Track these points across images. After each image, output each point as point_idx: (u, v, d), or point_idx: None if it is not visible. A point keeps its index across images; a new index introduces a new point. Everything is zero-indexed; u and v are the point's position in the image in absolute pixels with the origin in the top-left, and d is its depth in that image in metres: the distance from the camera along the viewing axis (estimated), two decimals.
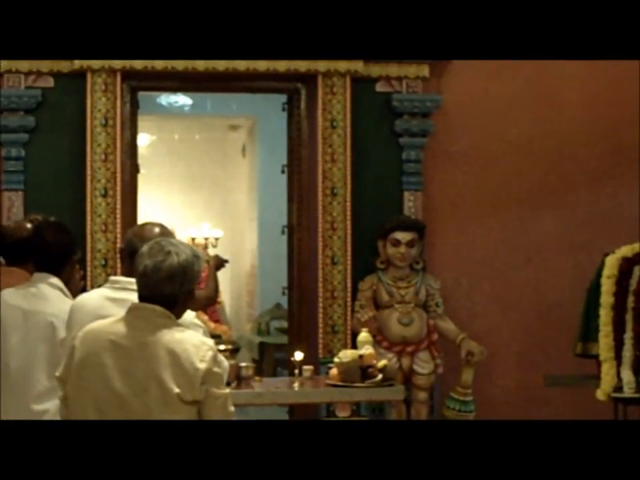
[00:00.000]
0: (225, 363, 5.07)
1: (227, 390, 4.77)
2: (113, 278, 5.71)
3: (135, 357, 4.57)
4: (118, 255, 5.82)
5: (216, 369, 4.61)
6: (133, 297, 5.02)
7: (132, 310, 4.73)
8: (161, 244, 4.71)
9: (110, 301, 5.34)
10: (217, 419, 4.64)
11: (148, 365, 4.53)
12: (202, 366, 4.53)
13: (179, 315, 4.77)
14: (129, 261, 5.40)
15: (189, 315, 5.19)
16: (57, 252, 6.19)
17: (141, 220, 10.72)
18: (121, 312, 4.95)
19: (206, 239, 13.91)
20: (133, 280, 5.06)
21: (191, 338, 4.66)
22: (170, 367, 4.51)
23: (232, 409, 4.72)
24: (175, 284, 4.67)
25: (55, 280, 6.08)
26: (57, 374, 4.85)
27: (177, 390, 4.48)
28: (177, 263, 4.65)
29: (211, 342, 4.77)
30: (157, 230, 5.52)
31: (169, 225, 11.89)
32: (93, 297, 5.57)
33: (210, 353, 4.60)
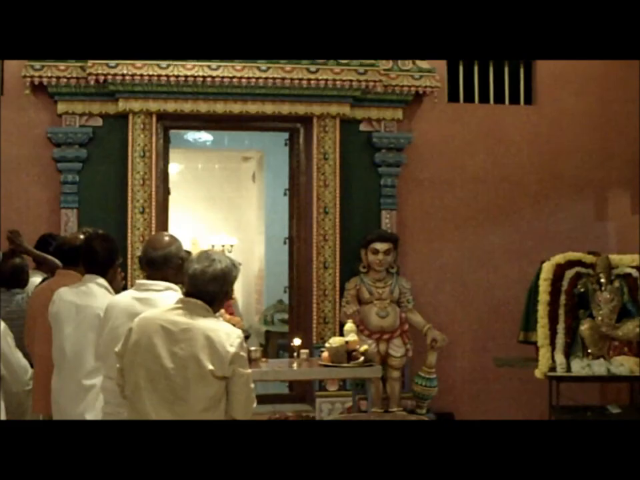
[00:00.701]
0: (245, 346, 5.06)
1: (249, 370, 4.96)
2: (138, 281, 5.88)
3: (179, 339, 4.80)
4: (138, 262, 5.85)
5: (242, 353, 4.84)
6: (155, 296, 5.50)
7: (180, 302, 4.97)
8: (207, 253, 5.05)
9: (137, 300, 5.56)
10: (240, 392, 4.85)
11: (188, 346, 4.77)
12: (231, 350, 4.76)
13: (216, 309, 5.02)
14: (146, 266, 5.79)
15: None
16: (103, 257, 6.27)
17: (173, 233, 10.96)
18: (145, 308, 5.30)
19: (223, 245, 14.02)
20: (154, 282, 5.57)
21: (223, 327, 4.91)
22: (206, 349, 4.75)
23: (252, 385, 4.97)
24: (216, 285, 4.94)
25: (101, 280, 6.19)
26: (116, 350, 5.08)
27: (210, 367, 4.72)
28: (219, 269, 4.94)
29: (239, 331, 4.95)
30: (166, 239, 5.78)
31: (194, 235, 12.21)
32: (124, 297, 5.76)
33: (238, 340, 4.84)
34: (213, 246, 13.50)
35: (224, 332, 4.86)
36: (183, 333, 4.82)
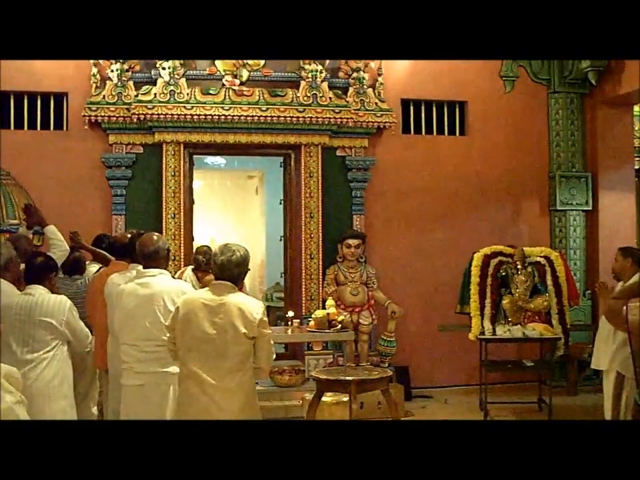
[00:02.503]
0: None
1: (270, 331, 5.10)
2: (139, 270, 5.85)
3: (217, 311, 4.90)
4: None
5: (265, 318, 4.98)
6: (151, 280, 5.64)
7: (213, 285, 5.05)
8: (227, 246, 5.09)
9: (138, 285, 5.67)
10: (264, 348, 4.99)
11: (226, 315, 4.88)
12: (257, 316, 4.91)
13: (239, 287, 5.11)
14: (142, 259, 5.81)
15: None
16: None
17: (196, 232, 10.90)
18: (145, 290, 5.58)
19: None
20: (149, 270, 5.70)
21: (250, 300, 5.06)
22: (239, 317, 4.87)
23: (272, 342, 5.12)
24: (239, 268, 5.06)
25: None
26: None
27: (244, 330, 4.85)
28: (240, 256, 5.04)
29: (261, 302, 5.17)
30: (154, 237, 5.85)
31: (212, 236, 12.15)
32: (129, 284, 5.77)
33: (262, 309, 5.01)
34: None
35: (250, 304, 4.99)
36: (220, 307, 4.91)
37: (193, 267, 8.81)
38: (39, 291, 5.91)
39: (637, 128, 12.13)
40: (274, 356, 5.16)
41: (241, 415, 4.88)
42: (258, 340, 4.95)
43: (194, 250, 9.50)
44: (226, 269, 5.02)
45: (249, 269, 5.25)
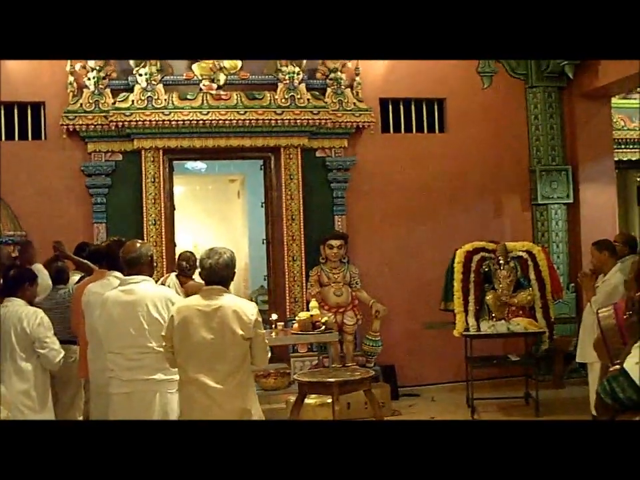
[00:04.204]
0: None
1: (264, 331, 5.30)
2: (122, 278, 5.87)
3: (213, 316, 5.02)
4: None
5: (259, 318, 5.12)
6: (134, 287, 5.64)
7: (205, 290, 5.16)
8: (213, 250, 5.20)
9: (122, 292, 5.68)
10: (260, 347, 5.10)
11: (222, 319, 5.00)
12: (252, 317, 5.04)
13: (228, 288, 5.20)
14: (125, 266, 5.82)
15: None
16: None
17: (178, 238, 10.97)
18: (129, 296, 5.59)
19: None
20: (133, 277, 5.69)
21: (244, 302, 5.22)
22: (235, 319, 4.99)
23: (267, 341, 5.25)
24: (227, 271, 5.16)
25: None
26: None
27: (240, 332, 4.98)
28: (227, 258, 5.15)
29: (254, 304, 5.28)
30: (137, 244, 5.87)
31: (195, 241, 12.20)
32: (113, 291, 5.78)
33: (256, 310, 5.14)
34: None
35: (245, 306, 5.12)
36: (215, 312, 5.02)
37: (176, 272, 8.87)
38: (13, 303, 5.99)
39: (615, 120, 12.26)
40: (269, 354, 5.28)
41: (245, 415, 5.03)
42: (254, 340, 5.06)
43: (177, 256, 9.57)
44: (214, 273, 5.13)
45: (234, 273, 5.31)
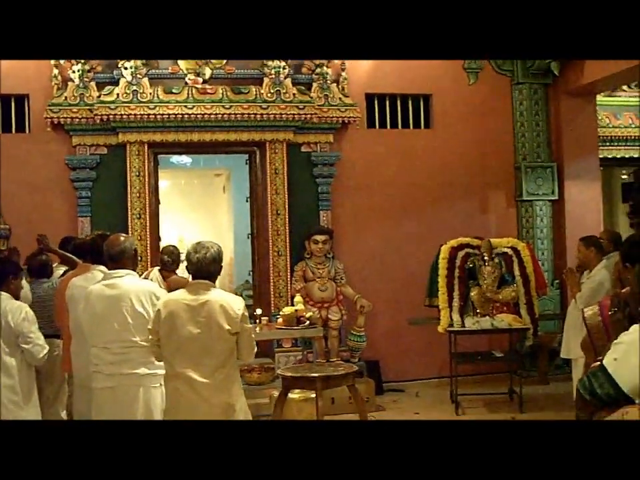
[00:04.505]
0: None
1: (251, 326, 5.33)
2: (105, 272, 5.82)
3: (200, 310, 5.01)
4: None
5: (245, 313, 5.09)
6: (118, 281, 5.62)
7: (192, 285, 5.18)
8: (201, 244, 5.19)
9: (105, 286, 5.65)
10: (246, 341, 5.10)
11: (208, 314, 4.99)
12: (239, 312, 5.02)
13: (215, 282, 5.19)
14: (108, 260, 5.79)
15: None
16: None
17: (162, 232, 10.95)
18: (112, 291, 5.57)
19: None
20: (116, 271, 5.66)
21: (231, 296, 5.21)
22: (222, 314, 4.98)
23: (253, 336, 5.25)
24: (214, 265, 5.15)
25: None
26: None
27: (227, 327, 4.97)
28: (214, 253, 5.15)
29: (240, 298, 5.25)
30: (121, 238, 5.84)
31: (180, 235, 12.19)
32: (97, 285, 5.74)
33: (242, 304, 5.12)
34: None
35: (232, 300, 5.11)
36: (202, 306, 5.01)
37: (159, 267, 8.85)
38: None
39: (600, 117, 12.30)
40: (255, 349, 5.27)
41: (229, 410, 5.03)
42: (240, 335, 5.05)
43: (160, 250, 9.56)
44: (202, 267, 5.13)
45: (221, 268, 5.31)
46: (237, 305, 5.08)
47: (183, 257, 11.34)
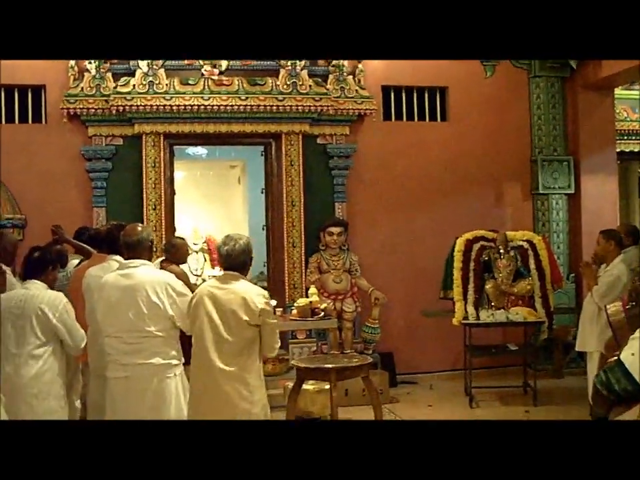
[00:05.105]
0: (270, 302, 5.48)
1: (275, 321, 5.49)
2: (122, 262, 5.88)
3: (222, 299, 5.24)
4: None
5: (268, 308, 5.29)
6: (133, 271, 5.65)
7: (222, 275, 5.45)
8: (229, 237, 5.44)
9: (121, 276, 5.68)
10: (268, 336, 5.30)
11: (228, 303, 5.22)
12: (260, 306, 5.21)
13: (245, 274, 5.45)
14: (125, 249, 5.85)
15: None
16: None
17: (177, 223, 10.97)
18: (128, 281, 5.60)
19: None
20: (132, 260, 5.71)
21: (254, 289, 5.38)
22: (242, 306, 5.19)
23: (277, 331, 5.45)
24: (243, 256, 5.38)
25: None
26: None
27: (245, 318, 5.18)
28: (243, 245, 5.38)
29: (265, 292, 5.43)
30: (139, 228, 5.91)
31: (195, 226, 12.18)
32: (112, 275, 5.78)
33: (264, 299, 5.30)
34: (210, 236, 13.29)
35: (255, 293, 5.29)
36: (225, 295, 5.25)
37: (162, 257, 8.81)
38: (35, 286, 5.88)
39: (617, 111, 12.24)
40: (278, 344, 5.44)
41: (246, 400, 5.23)
42: (262, 329, 5.26)
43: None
44: (230, 259, 5.35)
45: (251, 259, 5.51)
46: (259, 299, 5.25)
47: (195, 247, 11.41)
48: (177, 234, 10.42)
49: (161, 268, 8.33)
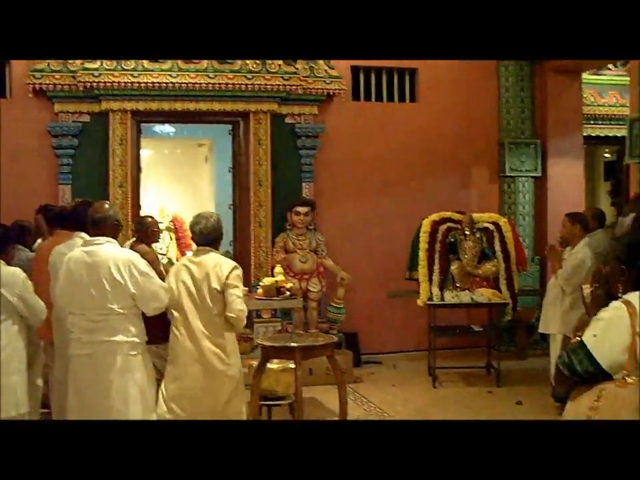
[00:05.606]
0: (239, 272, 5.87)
1: (241, 286, 5.84)
2: (86, 239, 5.83)
3: (195, 271, 5.74)
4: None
5: (234, 275, 5.74)
6: (97, 248, 5.62)
7: (196, 250, 5.94)
8: (201, 215, 5.94)
9: (85, 253, 5.62)
10: (234, 297, 5.67)
11: (201, 273, 5.71)
12: (227, 273, 5.68)
13: (217, 249, 5.93)
14: (90, 226, 5.78)
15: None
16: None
17: (145, 201, 10.94)
18: (91, 258, 5.56)
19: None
20: (97, 238, 5.67)
21: (224, 260, 5.85)
22: (212, 274, 5.67)
23: (243, 298, 5.84)
24: (215, 233, 5.88)
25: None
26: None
27: (215, 285, 5.65)
28: (214, 222, 5.89)
29: (234, 263, 5.88)
30: (105, 206, 5.88)
31: (161, 205, 12.12)
32: (76, 251, 5.74)
33: (231, 267, 5.76)
34: (175, 215, 13.23)
35: (223, 262, 5.78)
36: (198, 266, 5.74)
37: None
38: None
39: (585, 96, 12.30)
40: (244, 311, 5.74)
41: (222, 364, 5.70)
42: (227, 292, 5.65)
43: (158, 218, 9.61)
44: (203, 236, 5.84)
45: (221, 235, 5.97)
46: (227, 267, 5.71)
47: (161, 226, 11.35)
48: (142, 212, 10.40)
49: (131, 248, 8.31)
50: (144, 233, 7.87)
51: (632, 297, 3.47)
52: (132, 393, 5.54)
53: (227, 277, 5.67)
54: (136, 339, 5.55)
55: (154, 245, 8.53)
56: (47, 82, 9.88)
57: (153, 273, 5.67)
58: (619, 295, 3.56)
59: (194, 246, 6.21)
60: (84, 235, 6.06)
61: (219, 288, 5.65)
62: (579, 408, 3.40)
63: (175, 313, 5.78)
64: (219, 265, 5.72)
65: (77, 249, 5.75)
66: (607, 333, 3.42)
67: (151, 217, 8.40)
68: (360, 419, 7.52)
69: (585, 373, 3.42)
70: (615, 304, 3.48)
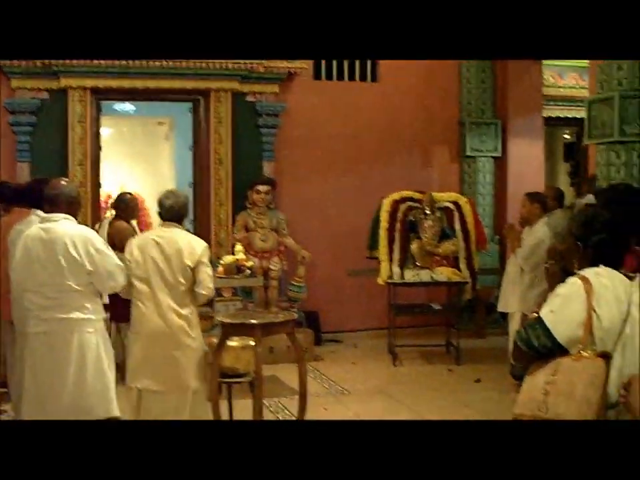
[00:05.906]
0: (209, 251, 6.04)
1: (209, 266, 5.94)
2: (42, 215, 5.78)
3: (166, 246, 5.80)
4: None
5: (204, 253, 5.87)
6: (54, 225, 5.56)
7: (162, 225, 6.00)
8: (172, 192, 6.12)
9: (42, 230, 5.57)
10: (204, 274, 5.80)
11: (173, 249, 5.78)
12: (199, 251, 5.83)
13: (182, 225, 6.01)
14: (46, 203, 5.73)
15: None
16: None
17: (105, 180, 10.85)
18: (48, 234, 5.51)
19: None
20: (53, 215, 5.60)
21: (194, 237, 6.03)
22: (185, 250, 5.78)
23: (211, 274, 5.97)
24: (183, 210, 6.02)
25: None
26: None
27: (188, 262, 5.75)
28: (182, 199, 6.06)
29: (203, 241, 6.00)
30: (62, 182, 5.83)
31: (121, 183, 12.05)
32: (33, 229, 5.68)
33: (204, 246, 5.93)
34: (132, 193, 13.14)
35: (195, 240, 5.94)
36: (168, 243, 5.81)
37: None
38: None
39: (545, 77, 12.35)
40: (213, 290, 6.03)
41: (187, 337, 5.87)
42: (197, 269, 5.77)
43: (102, 197, 9.48)
44: (173, 211, 5.92)
45: (186, 213, 6.15)
46: (199, 245, 5.87)
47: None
48: (102, 191, 10.33)
49: (109, 224, 8.30)
50: (123, 210, 7.93)
51: (588, 272, 3.50)
52: (89, 370, 5.50)
53: (201, 255, 5.80)
54: (92, 316, 5.52)
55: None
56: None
57: (110, 251, 5.63)
58: (575, 271, 3.60)
59: (153, 223, 6.24)
60: (40, 212, 6.00)
61: (191, 265, 5.75)
62: (537, 382, 3.43)
63: (140, 287, 5.80)
64: (191, 242, 5.85)
65: (35, 226, 5.70)
66: (563, 309, 3.46)
67: (130, 194, 8.51)
68: (353, 419, 7.46)
69: (543, 348, 3.46)
70: (571, 280, 3.51)
